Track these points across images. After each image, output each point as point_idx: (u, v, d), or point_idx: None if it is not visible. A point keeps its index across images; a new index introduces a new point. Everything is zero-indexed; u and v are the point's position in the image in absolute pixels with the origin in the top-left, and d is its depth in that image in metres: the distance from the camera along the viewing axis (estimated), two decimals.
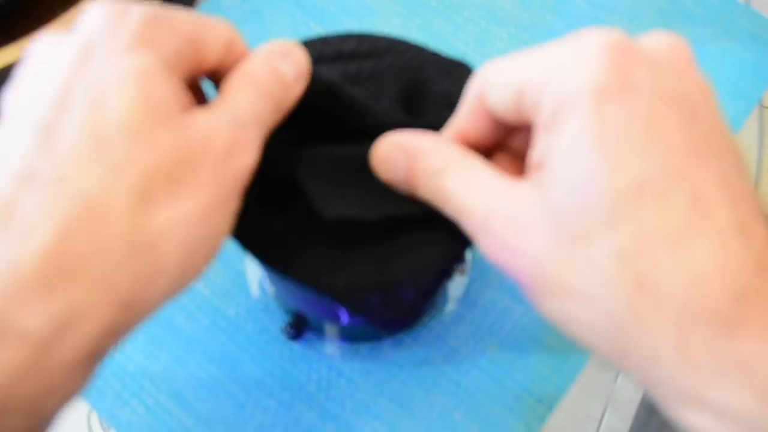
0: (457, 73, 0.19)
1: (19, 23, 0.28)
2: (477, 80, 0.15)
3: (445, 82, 0.19)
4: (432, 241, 0.17)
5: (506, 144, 0.16)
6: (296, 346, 0.25)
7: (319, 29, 0.34)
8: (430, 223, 0.17)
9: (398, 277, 0.16)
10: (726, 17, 0.34)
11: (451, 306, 0.26)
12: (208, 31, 0.14)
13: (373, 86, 0.19)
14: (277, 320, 0.26)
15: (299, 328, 0.25)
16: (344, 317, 0.22)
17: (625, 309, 0.11)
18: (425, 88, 0.19)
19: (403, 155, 0.15)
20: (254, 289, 0.26)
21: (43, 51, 0.14)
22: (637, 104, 0.12)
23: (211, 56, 0.15)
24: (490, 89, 0.15)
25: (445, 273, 0.17)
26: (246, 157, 0.14)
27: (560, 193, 0.12)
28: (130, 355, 0.25)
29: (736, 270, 0.11)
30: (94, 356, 0.12)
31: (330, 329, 0.25)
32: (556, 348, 0.25)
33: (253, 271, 0.27)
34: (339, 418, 0.24)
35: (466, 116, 0.16)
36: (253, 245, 0.17)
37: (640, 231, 0.11)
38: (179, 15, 0.14)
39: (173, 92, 0.13)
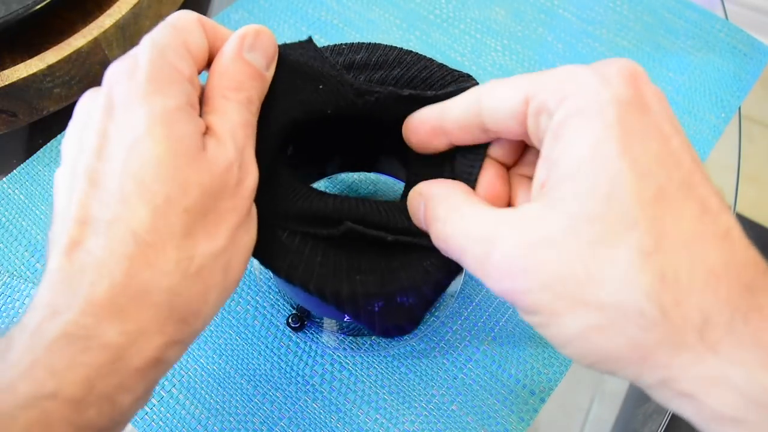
0: (463, 88, 0.19)
1: (38, 37, 0.30)
2: (472, 93, 0.16)
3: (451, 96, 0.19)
4: (433, 256, 0.17)
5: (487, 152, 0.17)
6: (301, 341, 0.26)
7: (323, 41, 0.35)
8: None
9: (400, 288, 0.17)
10: (706, 30, 0.35)
11: (447, 303, 0.27)
12: (191, 35, 0.16)
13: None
14: (283, 316, 0.27)
15: (302, 320, 0.26)
16: (347, 316, 0.23)
17: (650, 304, 0.12)
18: (432, 101, 0.19)
19: (423, 202, 0.16)
20: (258, 275, 0.28)
21: (80, 106, 0.16)
22: (652, 121, 0.13)
23: (200, 49, 0.16)
24: (489, 100, 0.15)
25: (445, 285, 0.18)
26: (251, 178, 0.16)
27: (583, 197, 0.12)
28: None
29: (741, 267, 0.12)
30: (159, 363, 0.14)
31: (332, 323, 0.26)
32: (548, 343, 0.26)
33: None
34: (342, 409, 0.25)
35: (455, 128, 0.16)
36: (260, 252, 0.17)
37: (659, 233, 0.12)
38: (160, 33, 0.15)
39: (194, 129, 0.14)
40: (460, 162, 0.18)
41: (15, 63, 0.28)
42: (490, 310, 0.27)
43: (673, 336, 0.12)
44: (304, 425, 0.25)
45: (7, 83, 0.27)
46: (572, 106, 0.13)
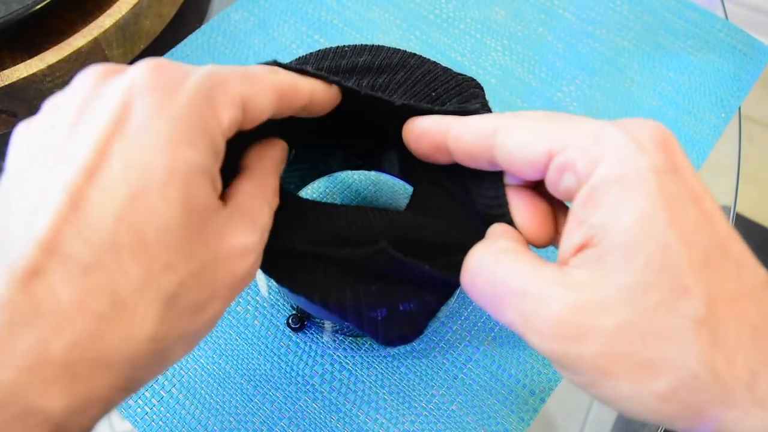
0: (467, 92, 0.19)
1: (38, 37, 0.30)
2: (486, 124, 0.15)
3: (454, 99, 0.19)
4: (438, 263, 0.17)
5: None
6: (301, 341, 0.26)
7: (322, 41, 0.35)
8: (436, 249, 0.17)
9: (405, 299, 0.17)
10: (706, 30, 0.35)
11: (447, 302, 0.27)
12: (259, 95, 0.14)
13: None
14: (283, 316, 0.27)
15: (302, 320, 0.26)
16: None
17: (704, 368, 0.12)
18: (437, 105, 0.19)
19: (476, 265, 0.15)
20: (263, 288, 0.28)
21: (81, 89, 0.12)
22: (688, 186, 0.13)
23: (263, 113, 0.14)
24: (505, 140, 0.15)
25: (449, 295, 0.18)
26: (252, 277, 0.14)
27: (637, 267, 0.12)
28: None
29: None
30: (90, 429, 0.12)
31: (333, 324, 0.26)
32: None
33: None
34: (342, 409, 0.25)
35: (461, 153, 0.16)
36: (264, 265, 0.17)
37: (710, 298, 0.12)
38: (228, 81, 0.13)
39: (211, 197, 0.13)
40: (473, 186, 0.17)
41: (15, 63, 0.28)
42: None
43: (725, 394, 0.12)
44: (304, 425, 0.25)
45: (7, 83, 0.27)
46: (609, 173, 0.13)
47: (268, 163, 0.16)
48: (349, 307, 0.17)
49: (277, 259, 0.17)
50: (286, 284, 0.17)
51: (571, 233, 0.14)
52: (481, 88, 0.19)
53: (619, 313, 0.13)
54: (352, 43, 0.20)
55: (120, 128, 0.11)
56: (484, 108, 0.18)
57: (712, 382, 0.12)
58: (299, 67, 0.17)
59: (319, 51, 0.20)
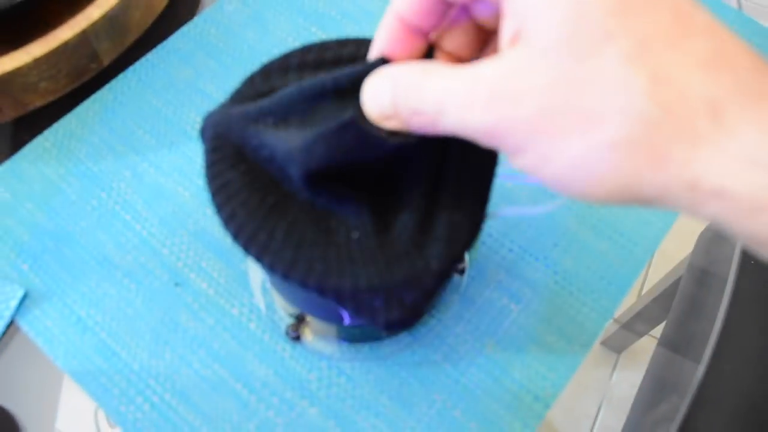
0: None
1: (26, 28, 0.29)
2: None
3: None
4: (433, 244, 0.17)
5: (441, 45, 0.17)
6: (298, 345, 0.25)
7: (320, 34, 0.34)
8: (430, 226, 0.17)
9: (402, 279, 0.16)
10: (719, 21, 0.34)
11: (449, 305, 0.26)
12: None
13: None
14: (279, 319, 0.26)
15: (301, 330, 0.26)
16: (347, 318, 0.23)
17: (650, 103, 0.12)
18: None
19: (390, 82, 0.15)
20: (257, 295, 0.27)
21: None
22: None
23: None
24: None
25: (446, 274, 0.17)
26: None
27: (553, 27, 0.13)
28: (135, 354, 0.25)
29: (735, 54, 0.12)
30: None
31: (331, 330, 0.26)
32: (553, 346, 0.26)
33: (255, 273, 0.27)
34: (340, 415, 0.24)
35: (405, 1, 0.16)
36: (255, 250, 0.17)
37: (638, 38, 0.12)
38: None
39: None
40: None
41: (0, 55, 0.27)
42: (493, 312, 0.26)
43: (684, 128, 0.12)
44: (301, 431, 0.24)
45: None
46: None
47: None
48: (347, 293, 0.16)
49: (269, 246, 0.17)
50: (281, 272, 0.16)
51: (504, 30, 0.14)
52: None
53: (549, 69, 0.13)
54: (350, 36, 0.20)
55: None
56: None
57: (664, 116, 0.12)
58: None
59: (303, 46, 0.20)
